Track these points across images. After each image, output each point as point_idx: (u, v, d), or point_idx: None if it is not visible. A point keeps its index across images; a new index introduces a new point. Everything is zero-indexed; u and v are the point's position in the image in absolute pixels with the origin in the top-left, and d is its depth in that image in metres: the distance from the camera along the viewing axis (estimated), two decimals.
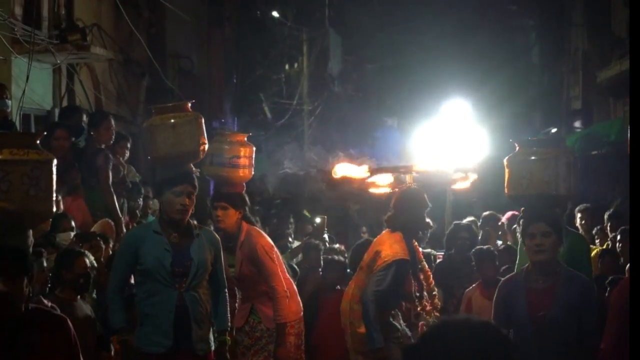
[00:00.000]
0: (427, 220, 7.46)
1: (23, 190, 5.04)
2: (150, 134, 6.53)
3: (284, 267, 7.62)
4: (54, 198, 5.27)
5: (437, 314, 7.67)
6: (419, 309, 7.78)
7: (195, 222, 6.41)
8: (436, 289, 7.93)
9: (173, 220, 6.16)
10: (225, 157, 7.65)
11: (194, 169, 6.52)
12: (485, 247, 8.66)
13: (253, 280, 7.35)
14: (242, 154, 7.71)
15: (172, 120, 6.46)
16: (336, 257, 9.01)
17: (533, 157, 5.96)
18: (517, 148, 6.08)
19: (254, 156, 7.80)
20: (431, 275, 7.86)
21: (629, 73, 5.48)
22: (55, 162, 5.23)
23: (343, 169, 8.31)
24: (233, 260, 7.37)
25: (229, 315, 6.53)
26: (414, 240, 7.50)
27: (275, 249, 7.55)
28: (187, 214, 6.18)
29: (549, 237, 5.54)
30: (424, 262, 7.91)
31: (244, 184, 7.79)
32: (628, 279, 5.59)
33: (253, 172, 7.86)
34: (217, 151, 7.64)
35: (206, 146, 6.68)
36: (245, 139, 7.87)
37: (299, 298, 7.55)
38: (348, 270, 9.47)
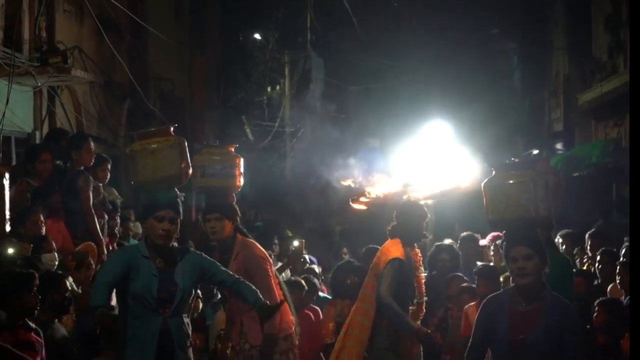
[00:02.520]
0: (424, 231, 8.08)
1: None
2: (132, 160, 6.47)
3: (278, 280, 7.63)
4: (7, 217, 5.08)
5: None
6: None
7: (177, 246, 6.35)
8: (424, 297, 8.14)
9: (156, 246, 6.09)
10: (217, 168, 7.72)
11: (179, 193, 6.43)
12: (490, 264, 8.77)
13: None
14: (233, 163, 7.81)
15: (153, 146, 6.36)
16: (293, 278, 9.03)
17: (510, 181, 5.86)
18: (494, 172, 6.02)
19: (242, 166, 7.89)
20: (423, 283, 8.11)
21: (629, 86, 5.43)
22: (7, 175, 5.09)
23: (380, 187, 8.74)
24: None
25: (255, 290, 6.30)
26: (415, 248, 7.99)
27: (270, 261, 7.59)
28: (170, 240, 6.11)
29: (531, 260, 5.50)
30: (421, 269, 8.17)
31: (234, 195, 7.83)
32: None
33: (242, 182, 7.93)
34: (208, 162, 7.72)
35: (190, 170, 6.61)
36: (233, 149, 7.97)
37: (291, 316, 7.55)
38: (321, 294, 9.47)
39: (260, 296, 6.27)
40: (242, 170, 7.86)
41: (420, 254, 8.16)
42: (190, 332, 6.21)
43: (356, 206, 8.74)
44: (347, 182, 9.08)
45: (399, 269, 7.70)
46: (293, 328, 7.49)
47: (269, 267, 7.45)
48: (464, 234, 10.24)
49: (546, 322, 5.45)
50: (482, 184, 6.06)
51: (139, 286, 5.95)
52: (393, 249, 7.82)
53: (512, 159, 6.48)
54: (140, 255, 6.07)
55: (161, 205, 6.10)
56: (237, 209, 7.65)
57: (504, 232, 6.05)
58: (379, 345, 7.80)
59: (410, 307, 7.93)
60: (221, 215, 7.39)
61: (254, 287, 6.31)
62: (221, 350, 7.77)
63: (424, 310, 8.15)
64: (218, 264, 6.42)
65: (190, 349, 6.21)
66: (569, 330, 5.50)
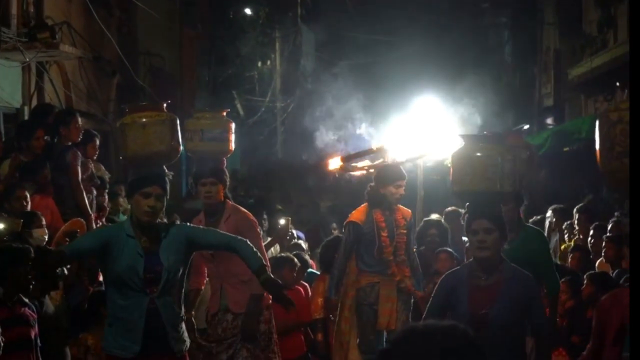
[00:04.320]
0: (394, 195, 8.24)
1: None
2: (121, 133, 6.37)
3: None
4: None
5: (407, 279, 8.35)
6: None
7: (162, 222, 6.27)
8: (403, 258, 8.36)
9: (141, 223, 5.93)
10: (215, 132, 7.79)
11: (167, 172, 6.30)
12: None
13: (229, 258, 7.25)
14: (227, 127, 7.90)
15: (143, 120, 6.25)
16: (284, 254, 9.06)
17: (477, 153, 5.78)
18: (463, 143, 5.95)
19: (233, 131, 7.99)
20: (398, 245, 8.32)
21: (629, 65, 5.39)
22: None
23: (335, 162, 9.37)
24: None
25: (257, 252, 5.95)
26: (398, 209, 8.34)
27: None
28: (155, 217, 5.94)
29: (491, 234, 5.45)
30: (401, 231, 8.32)
31: (225, 159, 7.92)
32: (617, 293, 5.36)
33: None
34: (206, 127, 7.78)
35: (181, 147, 6.55)
36: (225, 114, 8.09)
37: None
38: (310, 270, 9.49)
39: (264, 262, 6.04)
40: (233, 134, 7.96)
41: (401, 216, 8.37)
42: (182, 310, 6.12)
43: (331, 166, 9.04)
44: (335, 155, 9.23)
45: (350, 232, 8.29)
46: (270, 301, 7.46)
47: (259, 231, 7.53)
48: (449, 209, 10.25)
49: (507, 296, 5.42)
50: (451, 154, 6.01)
51: (122, 266, 5.81)
52: (353, 213, 8.41)
53: (485, 132, 6.45)
54: (125, 234, 5.92)
55: (148, 181, 5.93)
56: (227, 172, 7.71)
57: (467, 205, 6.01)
58: (361, 301, 8.30)
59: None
60: (216, 180, 7.37)
61: (254, 248, 5.94)
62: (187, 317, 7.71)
63: (402, 268, 8.30)
64: (205, 228, 6.29)
65: (184, 327, 6.12)
66: (533, 302, 5.50)
